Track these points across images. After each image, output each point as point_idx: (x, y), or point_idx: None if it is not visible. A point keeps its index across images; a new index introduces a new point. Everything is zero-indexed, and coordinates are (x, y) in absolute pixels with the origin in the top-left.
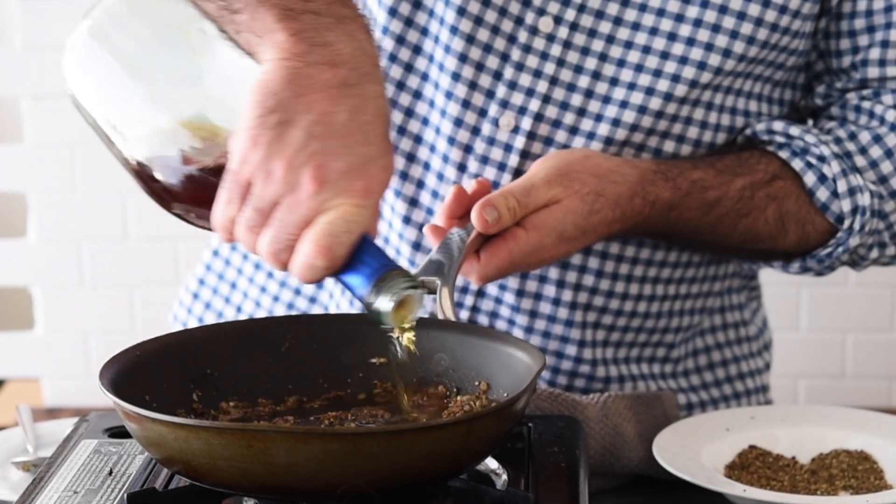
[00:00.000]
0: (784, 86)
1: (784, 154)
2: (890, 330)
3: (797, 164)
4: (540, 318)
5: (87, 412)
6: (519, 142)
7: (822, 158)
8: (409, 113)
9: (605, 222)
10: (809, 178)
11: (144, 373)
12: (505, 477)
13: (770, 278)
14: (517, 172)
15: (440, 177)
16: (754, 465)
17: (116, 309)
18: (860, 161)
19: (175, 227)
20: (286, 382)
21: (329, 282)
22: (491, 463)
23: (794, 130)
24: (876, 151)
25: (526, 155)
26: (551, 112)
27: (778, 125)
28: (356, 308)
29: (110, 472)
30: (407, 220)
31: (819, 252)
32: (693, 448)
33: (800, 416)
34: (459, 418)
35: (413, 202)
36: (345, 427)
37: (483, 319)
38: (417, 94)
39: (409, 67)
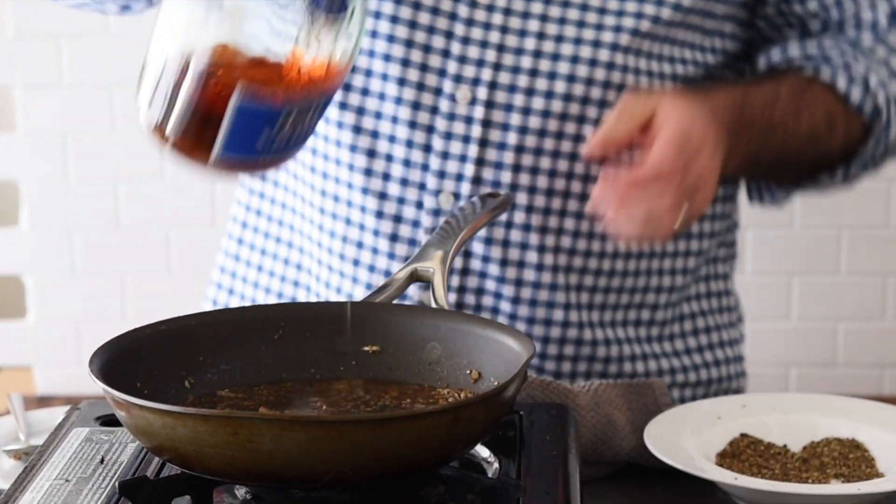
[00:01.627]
0: (714, 34)
1: (809, 71)
2: (881, 318)
3: (826, 72)
4: (525, 287)
5: (78, 400)
6: (478, 112)
7: (846, 64)
8: (360, 111)
9: (723, 100)
10: (841, 82)
11: (136, 360)
12: (496, 465)
13: (761, 267)
14: (482, 142)
15: (406, 163)
16: (745, 454)
17: (108, 297)
18: (872, 60)
19: (166, 216)
20: (279, 370)
21: (325, 273)
22: (482, 451)
23: (810, 48)
24: (881, 51)
25: (488, 124)
26: (504, 78)
27: (793, 50)
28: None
29: (102, 461)
30: (380, 214)
31: (863, 150)
32: (684, 436)
33: (791, 405)
34: (446, 406)
35: (382, 196)
36: (329, 414)
37: (470, 297)
38: (365, 92)
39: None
